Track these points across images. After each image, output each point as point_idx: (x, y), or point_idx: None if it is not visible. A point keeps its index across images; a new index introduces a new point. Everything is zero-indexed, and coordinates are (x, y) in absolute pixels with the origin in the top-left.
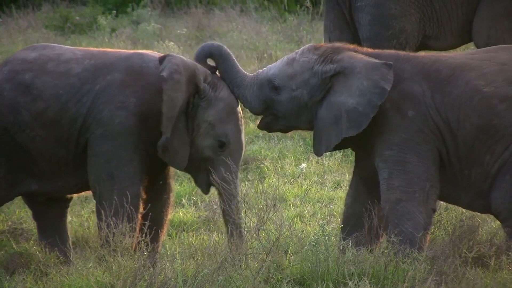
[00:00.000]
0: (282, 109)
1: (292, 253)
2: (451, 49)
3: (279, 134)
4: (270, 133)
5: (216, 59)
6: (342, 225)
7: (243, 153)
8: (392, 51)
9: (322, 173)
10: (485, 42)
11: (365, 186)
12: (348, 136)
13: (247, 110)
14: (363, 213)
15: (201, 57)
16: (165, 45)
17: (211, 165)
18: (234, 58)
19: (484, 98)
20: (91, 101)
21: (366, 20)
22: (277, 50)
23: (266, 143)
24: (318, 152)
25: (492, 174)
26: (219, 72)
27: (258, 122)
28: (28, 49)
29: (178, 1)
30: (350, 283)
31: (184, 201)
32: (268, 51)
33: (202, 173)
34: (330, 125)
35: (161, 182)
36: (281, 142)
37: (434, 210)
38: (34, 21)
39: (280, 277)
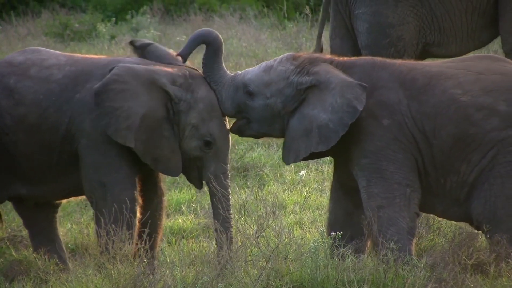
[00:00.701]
0: (255, 115)
1: (292, 260)
2: (457, 56)
3: (279, 141)
4: (270, 141)
5: (210, 49)
6: (329, 232)
7: (230, 146)
8: (368, 58)
9: (322, 180)
10: (510, 50)
11: (344, 191)
12: (317, 151)
13: None
14: (344, 217)
15: (200, 40)
16: None
17: (200, 162)
18: (221, 55)
19: (460, 107)
20: (72, 110)
21: (364, 28)
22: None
23: (265, 150)
24: (287, 161)
25: (468, 182)
26: (202, 61)
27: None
28: (18, 53)
29: (177, 8)
30: None
31: (183, 208)
32: (268, 58)
33: (193, 171)
34: (300, 136)
35: (151, 186)
36: (280, 149)
37: (418, 214)
38: (34, 29)
39: (280, 284)
